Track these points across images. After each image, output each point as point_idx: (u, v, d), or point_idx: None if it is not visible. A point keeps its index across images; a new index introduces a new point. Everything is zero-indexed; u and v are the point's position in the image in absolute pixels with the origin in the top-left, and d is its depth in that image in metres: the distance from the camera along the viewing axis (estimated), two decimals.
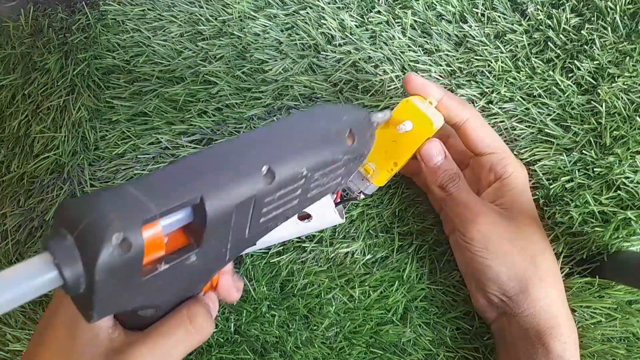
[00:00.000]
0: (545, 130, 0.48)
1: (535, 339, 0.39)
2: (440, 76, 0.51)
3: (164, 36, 0.57)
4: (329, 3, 0.55)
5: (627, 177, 0.44)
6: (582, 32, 0.49)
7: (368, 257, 0.48)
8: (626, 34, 0.49)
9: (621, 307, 0.44)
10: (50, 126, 0.56)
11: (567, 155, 0.47)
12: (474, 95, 0.50)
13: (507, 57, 0.50)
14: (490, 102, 0.49)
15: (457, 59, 0.51)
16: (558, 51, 0.50)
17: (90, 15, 0.59)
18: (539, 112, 0.48)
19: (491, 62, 0.50)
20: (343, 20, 0.54)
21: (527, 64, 0.50)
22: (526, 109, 0.49)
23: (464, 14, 0.53)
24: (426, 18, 0.53)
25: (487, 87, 0.50)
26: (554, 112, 0.48)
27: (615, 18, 0.49)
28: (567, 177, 0.46)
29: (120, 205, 0.24)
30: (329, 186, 0.33)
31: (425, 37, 0.53)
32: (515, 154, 0.48)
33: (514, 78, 0.50)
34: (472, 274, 0.43)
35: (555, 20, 0.50)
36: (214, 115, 0.54)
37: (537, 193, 0.47)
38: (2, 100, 0.58)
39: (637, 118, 0.46)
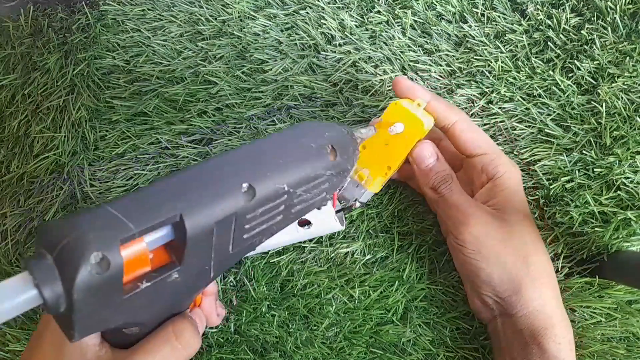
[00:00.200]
0: (545, 130, 0.48)
1: (529, 339, 0.38)
2: (440, 76, 0.51)
3: (164, 36, 0.57)
4: (329, 3, 0.55)
5: (627, 177, 0.44)
6: (582, 32, 0.49)
7: (368, 257, 0.48)
8: (626, 34, 0.49)
9: (621, 307, 0.44)
10: (50, 126, 0.56)
11: (567, 156, 0.47)
12: (474, 95, 0.50)
13: (507, 57, 0.50)
14: (490, 102, 0.49)
15: (457, 59, 0.51)
16: (558, 51, 0.50)
17: (90, 15, 0.59)
18: (539, 112, 0.48)
19: (491, 62, 0.50)
20: (343, 20, 0.54)
21: (527, 64, 0.50)
22: (526, 109, 0.49)
23: (464, 14, 0.53)
24: (426, 18, 0.53)
25: (487, 87, 0.50)
26: (554, 112, 0.48)
27: (615, 18, 0.49)
28: (567, 177, 0.46)
29: (98, 225, 0.24)
30: (313, 201, 0.34)
31: (425, 37, 0.53)
32: (515, 154, 0.48)
33: (514, 78, 0.50)
34: (466, 276, 0.43)
35: (555, 20, 0.50)
36: (214, 115, 0.53)
37: (537, 193, 0.47)
38: (2, 100, 0.58)
39: (637, 118, 0.46)
